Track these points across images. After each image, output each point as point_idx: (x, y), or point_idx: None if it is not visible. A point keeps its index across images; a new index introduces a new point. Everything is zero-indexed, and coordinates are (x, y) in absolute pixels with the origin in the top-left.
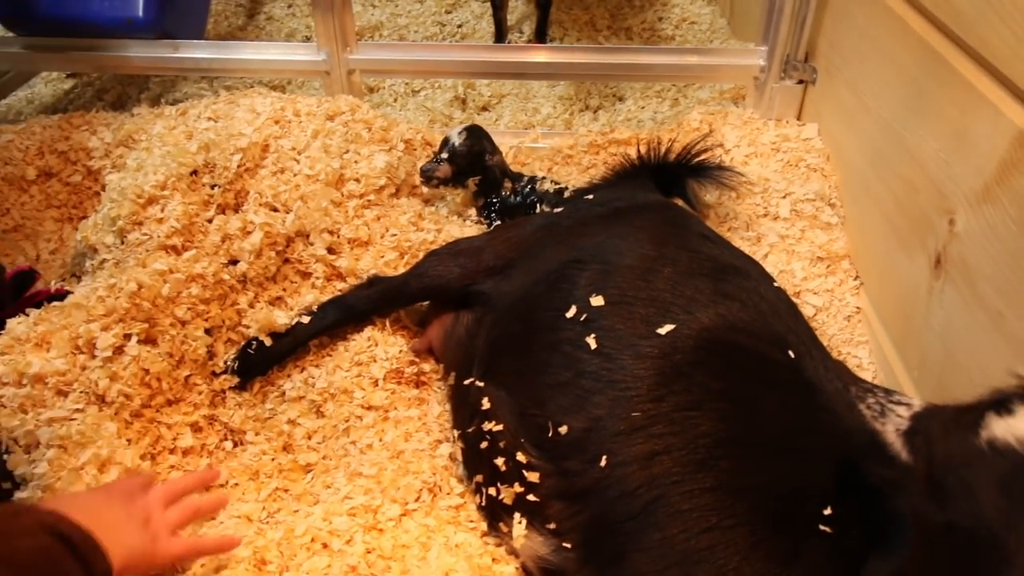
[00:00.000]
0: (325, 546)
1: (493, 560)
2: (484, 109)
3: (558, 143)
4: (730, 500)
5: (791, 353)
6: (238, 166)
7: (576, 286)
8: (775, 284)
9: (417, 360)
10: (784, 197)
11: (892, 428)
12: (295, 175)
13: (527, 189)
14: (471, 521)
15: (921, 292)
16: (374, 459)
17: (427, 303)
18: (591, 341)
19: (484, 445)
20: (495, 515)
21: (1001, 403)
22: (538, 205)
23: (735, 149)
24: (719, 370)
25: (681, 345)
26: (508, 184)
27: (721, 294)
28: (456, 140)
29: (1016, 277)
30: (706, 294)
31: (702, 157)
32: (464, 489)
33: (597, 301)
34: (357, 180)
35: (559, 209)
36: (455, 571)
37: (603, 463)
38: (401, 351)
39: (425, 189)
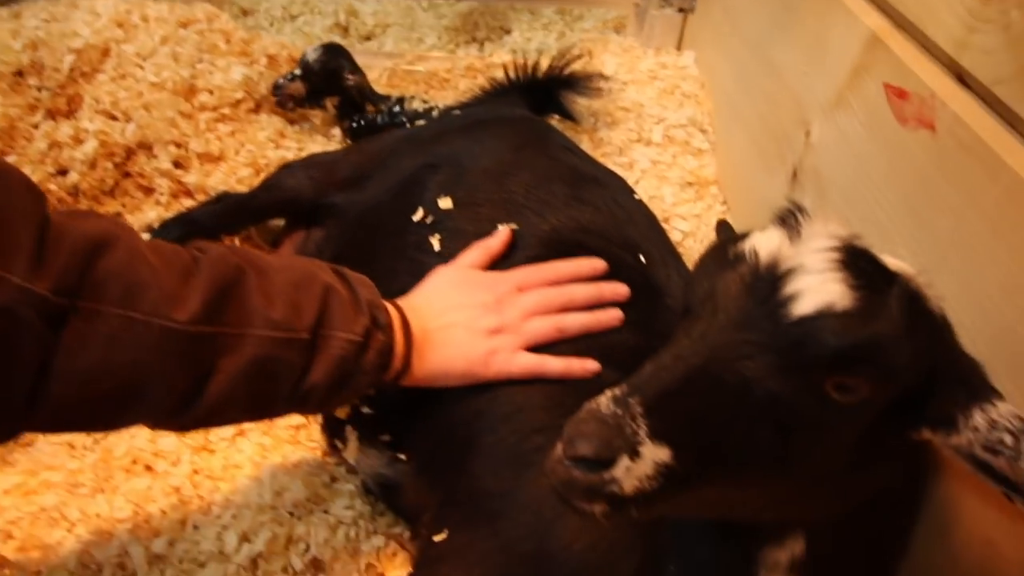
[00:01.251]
0: (149, 468)
1: (332, 479)
2: (367, 38)
3: (435, 67)
4: (560, 398)
5: (642, 258)
6: (71, 69)
7: (426, 189)
8: (636, 197)
9: None
10: (658, 123)
11: None
12: (138, 82)
13: (396, 109)
14: (313, 441)
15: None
16: None
17: (281, 222)
18: (435, 243)
19: None
20: (333, 432)
21: (773, 221)
22: (407, 124)
23: (613, 76)
24: None
25: (527, 244)
26: (371, 108)
27: (576, 199)
28: (311, 57)
29: (861, 182)
30: (560, 198)
31: (571, 70)
32: None
33: (445, 203)
34: (210, 92)
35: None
36: (289, 490)
37: None
38: None
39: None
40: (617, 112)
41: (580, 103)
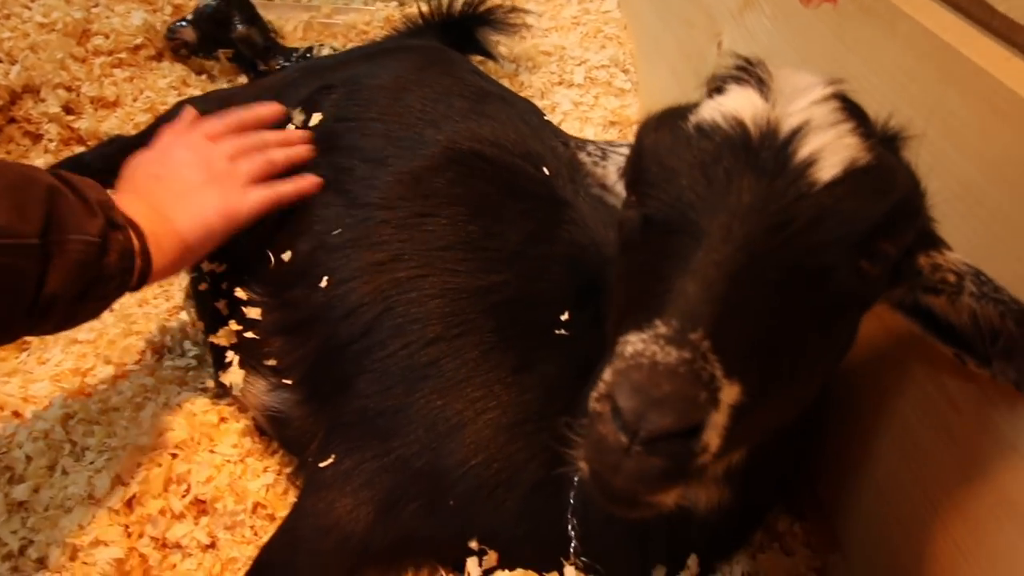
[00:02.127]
0: (17, 414)
1: (221, 419)
2: None
3: (353, 19)
4: (457, 307)
5: (546, 171)
6: None
7: (320, 109)
8: (545, 118)
9: None
10: (579, 65)
11: (613, 169)
12: (24, 22)
13: (307, 56)
14: (202, 382)
15: None
16: (96, 326)
17: None
18: (325, 159)
19: (204, 287)
20: (219, 366)
21: (715, 88)
22: None
23: (536, 23)
24: (460, 177)
25: (423, 153)
26: (274, 63)
27: (477, 113)
28: (206, 4)
29: None
30: (460, 112)
31: (487, 6)
32: (201, 352)
33: (314, 119)
34: (106, 36)
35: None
36: (171, 430)
37: (325, 283)
38: None
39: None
40: (539, 56)
41: (501, 49)
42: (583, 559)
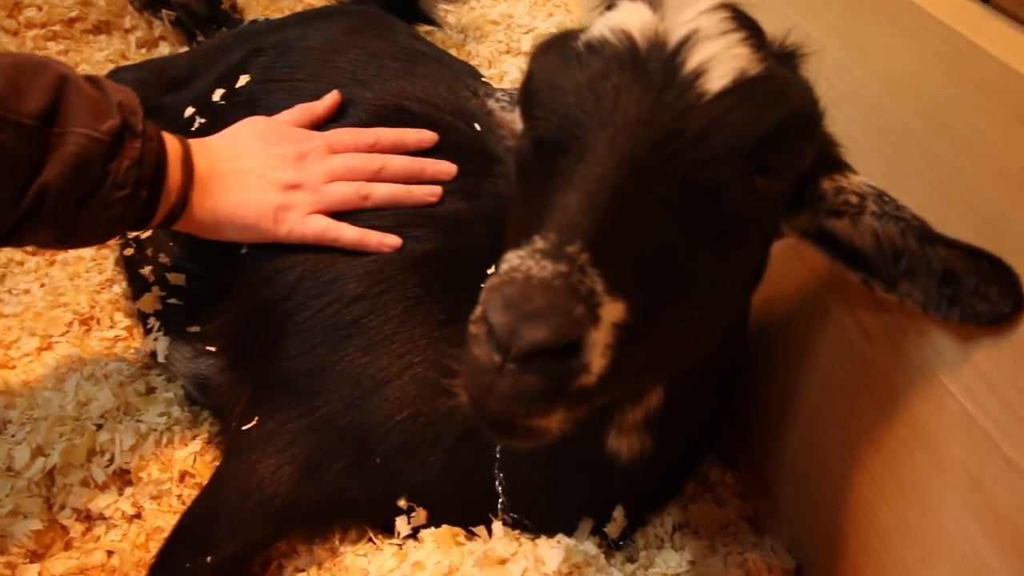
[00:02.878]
0: None
1: (150, 389)
2: None
3: None
4: (379, 265)
5: (477, 127)
6: None
7: (248, 71)
8: (483, 79)
9: None
10: (527, 33)
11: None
12: None
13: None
14: (131, 351)
15: None
16: (24, 300)
17: None
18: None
19: (129, 253)
20: (147, 332)
21: (608, 6)
22: None
23: None
24: None
25: (352, 113)
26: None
27: (409, 73)
28: None
29: None
30: (392, 72)
31: None
32: (131, 323)
33: (243, 80)
34: (39, 8)
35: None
36: (96, 400)
37: (246, 249)
38: None
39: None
40: (486, 26)
41: (450, 19)
42: (512, 515)
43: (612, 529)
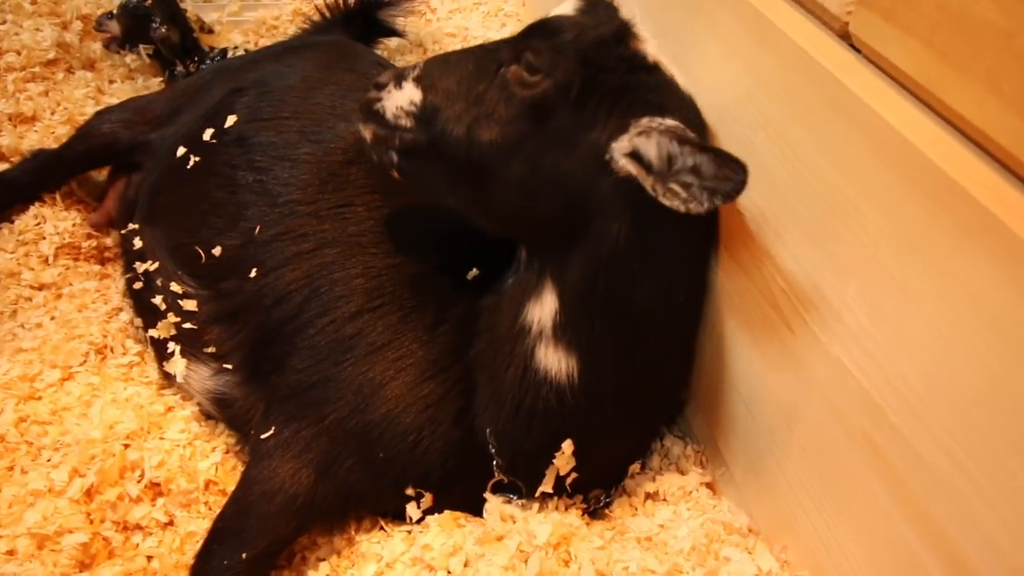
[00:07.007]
0: None
1: (167, 409)
2: None
3: (263, 15)
4: (376, 283)
5: None
6: None
7: (234, 111)
8: None
9: (97, 234)
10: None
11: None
12: None
13: (219, 58)
14: (146, 376)
15: None
16: (40, 334)
17: (104, 176)
18: (244, 160)
19: (138, 286)
20: (162, 357)
21: None
22: None
23: (440, 7)
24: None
25: (335, 148)
26: (192, 65)
27: None
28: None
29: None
30: None
31: None
32: (142, 348)
33: (231, 120)
34: (17, 52)
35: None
36: (121, 422)
37: (254, 274)
38: (75, 225)
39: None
40: (444, 38)
41: (409, 33)
42: (508, 476)
43: (561, 462)
